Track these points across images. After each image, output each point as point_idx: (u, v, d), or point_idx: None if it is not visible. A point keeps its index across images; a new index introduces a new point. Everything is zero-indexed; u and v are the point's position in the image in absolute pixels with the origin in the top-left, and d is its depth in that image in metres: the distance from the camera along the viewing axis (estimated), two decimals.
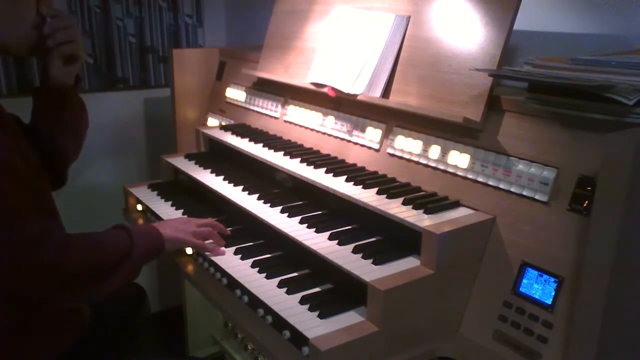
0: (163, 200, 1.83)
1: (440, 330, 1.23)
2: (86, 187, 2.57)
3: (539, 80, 1.13)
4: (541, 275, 1.14)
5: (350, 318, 1.16)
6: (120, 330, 1.58)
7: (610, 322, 0.99)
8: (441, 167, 1.38)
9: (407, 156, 1.47)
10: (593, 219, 0.98)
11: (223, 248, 1.46)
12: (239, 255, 1.43)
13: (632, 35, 1.35)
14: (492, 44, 1.31)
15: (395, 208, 1.29)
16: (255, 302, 1.25)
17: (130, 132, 2.68)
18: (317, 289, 1.29)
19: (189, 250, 1.50)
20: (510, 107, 1.27)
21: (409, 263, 1.22)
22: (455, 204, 1.31)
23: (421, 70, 1.46)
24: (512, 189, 1.22)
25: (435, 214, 1.26)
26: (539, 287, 1.14)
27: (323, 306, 1.19)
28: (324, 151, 1.72)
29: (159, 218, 1.69)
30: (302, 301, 1.22)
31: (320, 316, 1.16)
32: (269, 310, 1.21)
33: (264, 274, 1.34)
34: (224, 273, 1.37)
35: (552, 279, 1.12)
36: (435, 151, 1.40)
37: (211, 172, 1.82)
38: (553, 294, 1.12)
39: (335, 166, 1.56)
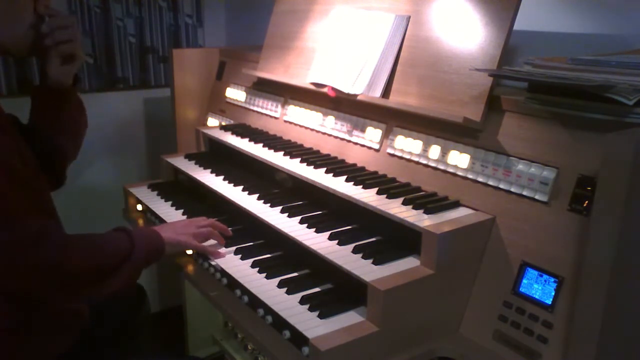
0: (163, 200, 1.83)
1: (440, 330, 1.23)
2: (86, 187, 2.57)
3: (539, 80, 1.13)
4: (541, 275, 1.14)
5: (350, 318, 1.16)
6: (120, 330, 1.58)
7: (610, 322, 0.99)
8: (441, 167, 1.38)
9: (407, 156, 1.47)
10: (593, 219, 0.98)
11: (223, 251, 1.46)
12: (239, 255, 1.43)
13: (632, 35, 1.35)
14: (492, 44, 1.31)
15: (395, 208, 1.29)
16: (255, 302, 1.25)
17: (130, 132, 2.68)
18: (317, 289, 1.29)
19: (189, 251, 1.50)
20: (510, 107, 1.27)
21: (409, 263, 1.22)
22: (455, 204, 1.31)
23: (421, 70, 1.46)
24: (512, 189, 1.22)
25: (435, 214, 1.26)
26: (539, 287, 1.14)
27: (323, 306, 1.19)
28: (324, 151, 1.72)
29: (159, 218, 1.69)
30: (302, 301, 1.22)
31: (320, 316, 1.16)
32: (269, 310, 1.21)
33: (264, 274, 1.34)
34: (224, 273, 1.37)
35: (552, 279, 1.12)
36: (435, 151, 1.40)
37: (211, 172, 1.82)
38: (553, 294, 1.12)
39: (335, 166, 1.56)
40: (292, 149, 1.72)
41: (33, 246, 1.13)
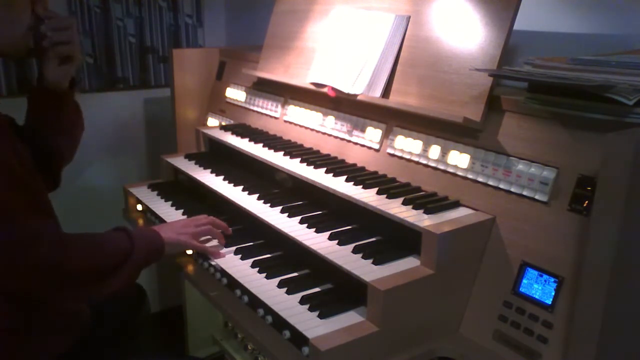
0: (163, 200, 1.83)
1: (440, 330, 1.23)
2: (86, 187, 2.57)
3: (539, 80, 1.13)
4: (541, 275, 1.14)
5: (350, 318, 1.16)
6: (120, 330, 1.58)
7: (610, 322, 0.99)
8: (441, 167, 1.38)
9: (407, 156, 1.47)
10: (593, 219, 0.98)
11: (223, 251, 1.46)
12: (239, 255, 1.43)
13: (632, 35, 1.35)
14: (492, 44, 1.31)
15: (395, 208, 1.29)
16: (255, 302, 1.25)
17: (130, 132, 2.68)
18: (317, 289, 1.29)
19: (189, 251, 1.50)
20: (510, 107, 1.27)
21: (409, 263, 1.22)
22: (455, 204, 1.31)
23: (421, 70, 1.46)
24: (512, 189, 1.22)
25: (435, 214, 1.26)
26: (539, 287, 1.14)
27: (323, 306, 1.19)
28: (324, 151, 1.72)
29: (159, 218, 1.69)
30: (302, 301, 1.22)
31: (320, 316, 1.16)
32: (269, 310, 1.21)
33: (264, 274, 1.34)
34: (224, 273, 1.37)
35: (552, 279, 1.12)
36: (435, 151, 1.40)
37: (211, 172, 1.82)
38: (553, 294, 1.12)
39: (335, 166, 1.56)
40: (292, 149, 1.72)
41: (32, 246, 1.13)
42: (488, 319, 1.21)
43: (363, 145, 1.61)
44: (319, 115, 1.77)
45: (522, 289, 1.17)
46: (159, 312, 2.78)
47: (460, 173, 1.34)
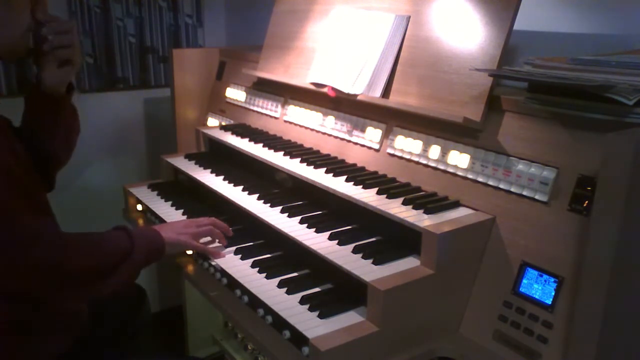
0: (163, 200, 1.83)
1: (440, 330, 1.23)
2: (86, 187, 2.57)
3: (539, 80, 1.13)
4: (541, 275, 1.14)
5: (350, 318, 1.16)
6: (120, 330, 1.58)
7: (610, 322, 0.99)
8: (441, 167, 1.38)
9: (407, 156, 1.47)
10: (593, 219, 0.98)
11: (223, 251, 1.46)
12: (239, 255, 1.43)
13: (632, 35, 1.35)
14: (492, 44, 1.31)
15: (395, 208, 1.29)
16: (255, 302, 1.25)
17: (130, 132, 2.68)
18: (317, 289, 1.29)
19: (189, 251, 1.50)
20: (510, 107, 1.27)
21: (409, 263, 1.22)
22: (455, 204, 1.31)
23: (421, 70, 1.46)
24: (512, 189, 1.22)
25: (435, 214, 1.26)
26: (539, 287, 1.14)
27: (323, 306, 1.19)
28: (324, 151, 1.72)
29: (159, 218, 1.69)
30: (302, 301, 1.22)
31: (320, 316, 1.16)
32: (269, 310, 1.21)
33: (264, 274, 1.34)
34: (224, 273, 1.37)
35: (552, 279, 1.12)
36: (435, 151, 1.40)
37: (211, 172, 1.82)
38: (553, 294, 1.12)
39: (335, 166, 1.56)
40: (292, 149, 1.72)
41: (32, 246, 1.13)
42: (488, 319, 1.21)
43: (363, 145, 1.61)
44: (319, 115, 1.77)
45: (522, 289, 1.17)
46: (159, 312, 2.78)
47: (460, 173, 1.34)
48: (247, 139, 1.86)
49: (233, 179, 1.71)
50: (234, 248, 1.47)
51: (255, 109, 2.08)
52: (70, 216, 1.66)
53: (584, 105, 1.08)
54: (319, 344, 1.06)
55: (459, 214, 1.26)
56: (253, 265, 1.38)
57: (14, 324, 1.21)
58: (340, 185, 1.44)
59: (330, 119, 1.73)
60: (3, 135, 1.22)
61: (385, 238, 1.35)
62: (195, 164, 1.92)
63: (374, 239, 1.34)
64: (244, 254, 1.43)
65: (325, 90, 1.67)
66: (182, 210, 1.72)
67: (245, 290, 1.29)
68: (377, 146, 1.57)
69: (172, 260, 1.51)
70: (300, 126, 1.85)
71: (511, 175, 1.23)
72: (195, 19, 2.74)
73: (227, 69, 2.34)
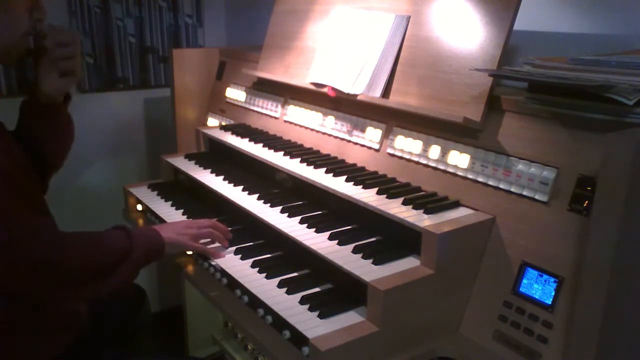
0: (163, 200, 1.83)
1: (440, 330, 1.23)
2: (86, 187, 2.57)
3: (539, 80, 1.13)
4: (541, 275, 1.14)
5: (350, 318, 1.16)
6: (120, 330, 1.58)
7: (610, 322, 0.99)
8: (441, 167, 1.38)
9: (407, 156, 1.47)
10: (593, 219, 0.98)
11: (223, 252, 1.46)
12: (239, 255, 1.43)
13: (632, 35, 1.35)
14: (492, 44, 1.31)
15: (395, 208, 1.29)
16: (255, 302, 1.25)
17: (130, 132, 2.68)
18: (317, 289, 1.29)
19: (189, 251, 1.50)
20: (510, 107, 1.27)
21: (409, 263, 1.22)
22: (455, 204, 1.31)
23: (421, 70, 1.46)
24: (512, 189, 1.22)
25: (435, 214, 1.26)
26: (539, 287, 1.14)
27: (323, 306, 1.19)
28: (324, 151, 1.72)
29: (159, 218, 1.69)
30: (302, 301, 1.22)
31: (320, 316, 1.16)
32: (269, 310, 1.21)
33: (264, 274, 1.34)
34: (224, 273, 1.37)
35: (552, 279, 1.12)
36: (435, 151, 1.40)
37: (211, 172, 1.82)
38: (553, 294, 1.12)
39: (335, 166, 1.56)
40: (292, 149, 1.72)
41: (31, 245, 1.13)
42: (488, 319, 1.21)
43: (363, 145, 1.61)
44: (319, 115, 1.77)
45: (522, 289, 1.17)
46: (159, 312, 2.78)
47: (460, 173, 1.34)
48: (247, 139, 1.86)
49: (233, 179, 1.71)
50: (234, 248, 1.47)
51: (255, 109, 2.08)
52: (70, 216, 1.66)
53: (584, 105, 1.08)
54: (319, 344, 1.06)
55: (459, 214, 1.26)
56: (253, 265, 1.38)
57: (14, 324, 1.21)
58: (340, 185, 1.44)
59: (330, 119, 1.73)
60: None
61: (385, 238, 1.35)
62: (195, 164, 1.92)
63: (374, 239, 1.34)
64: (244, 254, 1.43)
65: (325, 90, 1.67)
66: (182, 211, 1.72)
67: (245, 290, 1.29)
68: (377, 146, 1.57)
69: (172, 260, 1.51)
70: (300, 126, 1.85)
71: (511, 175, 1.23)
72: (195, 19, 2.74)
73: (227, 69, 2.34)
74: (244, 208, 1.53)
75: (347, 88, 1.59)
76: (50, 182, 1.55)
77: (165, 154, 2.07)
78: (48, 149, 1.45)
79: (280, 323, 1.17)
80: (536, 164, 1.19)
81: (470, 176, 1.31)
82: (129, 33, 2.55)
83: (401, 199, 1.33)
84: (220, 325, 2.24)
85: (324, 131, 1.75)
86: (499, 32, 1.30)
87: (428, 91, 1.43)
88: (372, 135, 1.58)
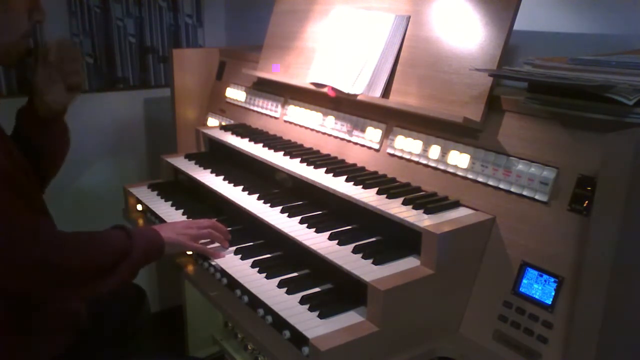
0: (163, 200, 1.83)
1: (440, 330, 1.23)
2: (86, 187, 2.57)
3: (539, 80, 1.13)
4: (541, 275, 1.14)
5: (350, 318, 1.16)
6: (120, 330, 1.58)
7: (610, 322, 0.99)
8: (441, 167, 1.38)
9: (407, 156, 1.47)
10: (593, 219, 0.98)
11: (223, 252, 1.46)
12: (239, 255, 1.43)
13: (632, 35, 1.35)
14: (492, 44, 1.31)
15: (395, 208, 1.29)
16: (255, 302, 1.25)
17: (130, 132, 2.68)
18: (317, 289, 1.29)
19: (189, 251, 1.50)
20: (510, 107, 1.27)
21: (409, 263, 1.22)
22: (455, 204, 1.31)
23: (421, 70, 1.46)
24: (512, 189, 1.22)
25: (435, 214, 1.26)
26: (539, 287, 1.14)
27: (323, 306, 1.19)
28: (324, 151, 1.72)
29: (159, 218, 1.69)
30: (302, 301, 1.22)
31: (320, 316, 1.16)
32: (269, 310, 1.21)
33: (264, 274, 1.34)
34: (224, 273, 1.37)
35: (552, 279, 1.12)
36: (435, 151, 1.40)
37: (211, 172, 1.82)
38: (553, 294, 1.12)
39: (335, 166, 1.56)
40: (292, 149, 1.72)
41: (30, 245, 1.13)
42: (488, 319, 1.21)
43: (363, 145, 1.61)
44: (319, 115, 1.77)
45: (522, 289, 1.17)
46: (159, 312, 2.78)
47: (460, 173, 1.34)
48: (247, 139, 1.86)
49: (233, 179, 1.71)
50: (234, 248, 1.47)
51: (255, 109, 2.08)
52: (70, 216, 1.66)
53: (584, 105, 1.08)
54: (319, 344, 1.06)
55: (459, 214, 1.26)
56: (253, 265, 1.38)
57: (14, 324, 1.21)
58: (340, 185, 1.44)
59: (330, 119, 1.73)
60: None
61: (385, 238, 1.35)
62: (195, 164, 1.92)
63: (374, 239, 1.34)
64: (244, 254, 1.43)
65: (325, 90, 1.67)
66: (182, 211, 1.72)
67: (245, 290, 1.29)
68: (377, 146, 1.57)
69: (172, 260, 1.51)
70: (300, 126, 1.85)
71: (511, 175, 1.23)
72: (195, 19, 2.74)
73: (227, 69, 2.34)
74: (244, 208, 1.53)
75: (347, 88, 1.59)
76: (50, 182, 1.55)
77: (165, 154, 2.07)
78: (45, 157, 1.46)
79: (280, 323, 1.17)
80: (536, 164, 1.19)
81: (470, 176, 1.31)
82: (129, 33, 2.55)
83: (401, 199, 1.33)
84: (220, 325, 2.24)
85: (324, 131, 1.75)
86: (499, 32, 1.30)
87: (428, 91, 1.43)
88: (372, 135, 1.58)
